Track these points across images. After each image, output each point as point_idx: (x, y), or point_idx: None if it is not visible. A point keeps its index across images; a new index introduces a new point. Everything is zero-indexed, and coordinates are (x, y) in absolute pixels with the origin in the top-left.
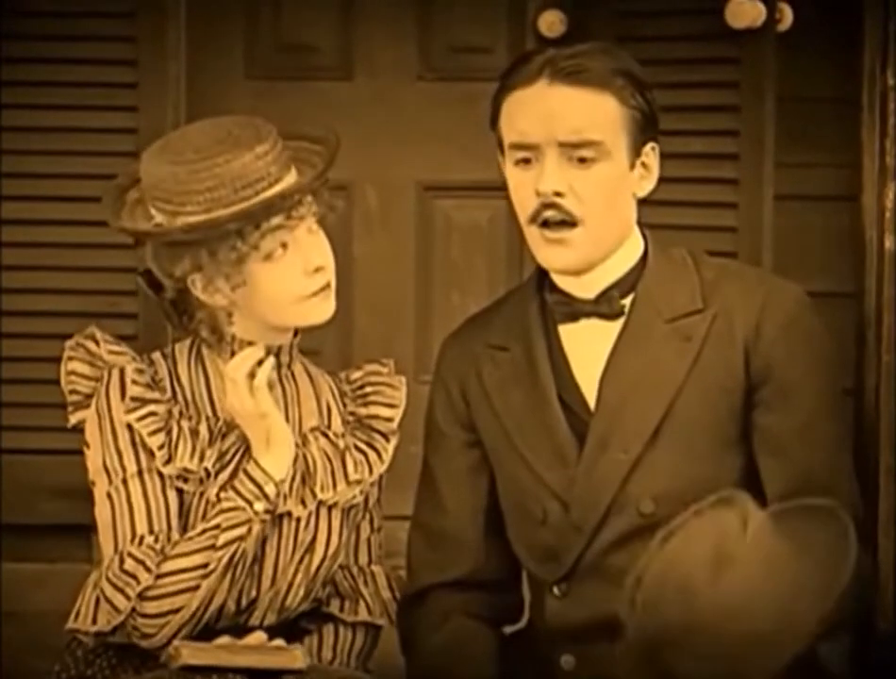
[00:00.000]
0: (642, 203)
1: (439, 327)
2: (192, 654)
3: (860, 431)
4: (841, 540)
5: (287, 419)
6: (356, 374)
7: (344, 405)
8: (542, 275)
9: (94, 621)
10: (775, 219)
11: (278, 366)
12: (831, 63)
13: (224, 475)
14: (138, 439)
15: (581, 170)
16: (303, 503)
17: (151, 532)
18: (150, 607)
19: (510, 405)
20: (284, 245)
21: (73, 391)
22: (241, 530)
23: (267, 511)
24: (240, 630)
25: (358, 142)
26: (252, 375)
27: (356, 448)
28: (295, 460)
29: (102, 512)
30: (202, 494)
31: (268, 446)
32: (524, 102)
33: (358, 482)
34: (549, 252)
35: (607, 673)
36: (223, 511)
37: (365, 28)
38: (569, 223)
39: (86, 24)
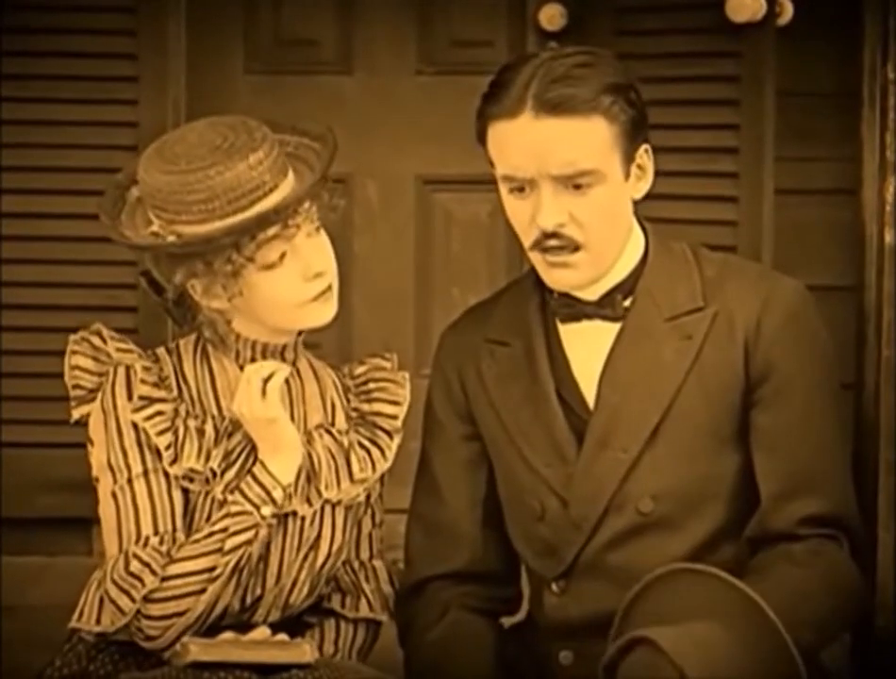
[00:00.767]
0: (643, 197)
1: (438, 321)
2: (201, 650)
3: (860, 426)
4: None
5: (292, 417)
6: (360, 369)
7: (348, 401)
8: None
9: (98, 621)
10: (775, 213)
11: (281, 363)
12: (831, 57)
13: (230, 474)
14: (144, 439)
15: (578, 197)
16: (308, 502)
17: (156, 533)
18: (155, 610)
19: (509, 400)
20: (282, 253)
21: (76, 386)
22: (249, 534)
23: (274, 515)
24: (243, 626)
25: (358, 136)
26: (266, 380)
27: (360, 445)
28: (301, 460)
29: (106, 511)
30: (207, 494)
31: (276, 450)
32: (512, 135)
33: (363, 481)
34: (554, 274)
35: None
36: (230, 515)
37: (365, 23)
38: (571, 247)
39: (86, 18)
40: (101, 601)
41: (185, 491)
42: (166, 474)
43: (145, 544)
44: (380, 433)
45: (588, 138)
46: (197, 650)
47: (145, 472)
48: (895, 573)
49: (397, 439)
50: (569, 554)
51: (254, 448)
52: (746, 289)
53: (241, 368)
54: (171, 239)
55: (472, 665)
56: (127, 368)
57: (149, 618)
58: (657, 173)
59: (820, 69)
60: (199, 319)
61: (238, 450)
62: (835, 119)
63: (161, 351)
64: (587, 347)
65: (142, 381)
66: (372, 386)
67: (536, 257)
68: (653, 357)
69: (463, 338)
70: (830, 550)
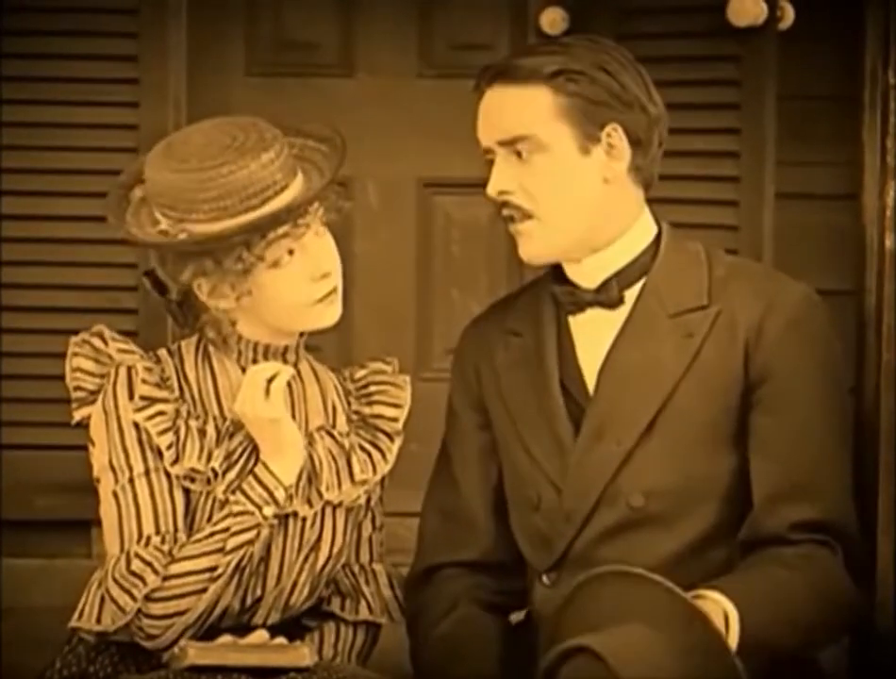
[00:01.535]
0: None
1: (439, 324)
2: (199, 653)
3: (860, 429)
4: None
5: (294, 418)
6: (361, 373)
7: (349, 404)
8: (557, 266)
9: (98, 621)
10: (776, 217)
11: (284, 365)
12: (832, 61)
13: (232, 475)
14: (145, 439)
15: (525, 166)
16: (309, 503)
17: (158, 532)
18: (156, 609)
19: (516, 389)
20: (291, 252)
21: (77, 388)
22: (250, 534)
23: (275, 515)
24: (243, 629)
25: (359, 139)
26: (270, 381)
27: (361, 448)
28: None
29: (107, 511)
30: (209, 494)
31: (279, 451)
32: (478, 107)
33: (364, 483)
34: (519, 246)
35: None
36: (231, 515)
37: (366, 25)
38: (523, 216)
39: (87, 20)
40: (102, 600)
41: (186, 492)
42: (167, 474)
43: (147, 543)
44: (381, 435)
45: (525, 104)
46: (195, 653)
47: (147, 472)
48: (895, 575)
49: (398, 442)
50: (560, 546)
51: (255, 449)
52: (751, 290)
53: (243, 369)
54: (182, 236)
55: (478, 664)
56: (129, 368)
57: (150, 616)
58: (658, 177)
59: (820, 73)
60: (203, 319)
61: (239, 450)
62: (835, 123)
63: (163, 352)
64: (593, 339)
65: (144, 381)
66: (372, 389)
67: (509, 229)
68: (653, 352)
69: (482, 329)
70: (821, 556)
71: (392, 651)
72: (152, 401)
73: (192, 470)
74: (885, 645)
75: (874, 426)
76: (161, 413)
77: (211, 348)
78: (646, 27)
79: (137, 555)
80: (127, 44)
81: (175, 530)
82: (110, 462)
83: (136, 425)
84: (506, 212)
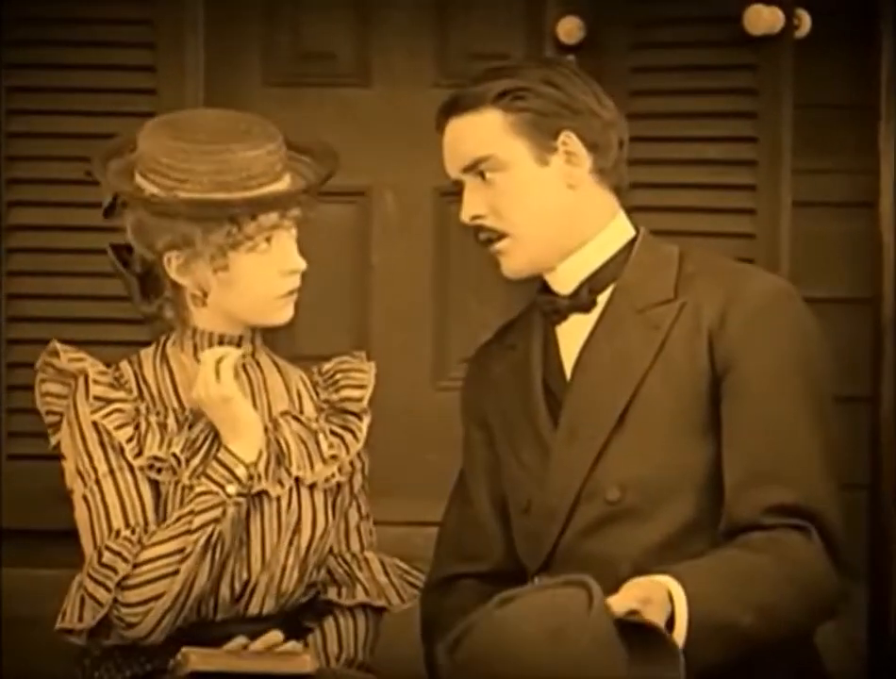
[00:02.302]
0: (661, 210)
1: (456, 333)
2: (201, 660)
3: (877, 438)
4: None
5: (255, 405)
6: (328, 365)
7: (318, 395)
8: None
9: (80, 619)
10: (793, 225)
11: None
12: (848, 70)
13: (196, 461)
14: (106, 440)
15: (490, 187)
16: (280, 483)
17: (127, 526)
18: (131, 596)
19: (507, 398)
20: (268, 239)
21: (49, 412)
22: (216, 512)
23: (240, 494)
24: (242, 621)
25: (376, 149)
26: (220, 362)
27: (332, 432)
28: (268, 444)
29: (80, 515)
30: (177, 484)
31: (235, 431)
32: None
33: (334, 458)
34: (500, 264)
35: None
36: (196, 495)
37: (382, 36)
38: (498, 237)
39: (104, 31)
40: (82, 600)
41: (156, 485)
42: (132, 470)
43: (117, 536)
44: (349, 417)
45: (481, 128)
46: (197, 659)
47: (111, 471)
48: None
49: (367, 420)
50: (547, 545)
51: (217, 436)
52: (716, 282)
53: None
54: (184, 195)
55: None
56: (85, 377)
57: (126, 605)
58: (674, 186)
59: (837, 81)
60: (163, 296)
61: (202, 438)
62: (852, 131)
63: (123, 363)
64: (575, 343)
65: (96, 382)
66: (339, 376)
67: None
68: (621, 347)
69: (487, 347)
70: (792, 539)
71: (392, 644)
72: (107, 401)
73: (155, 458)
74: (884, 645)
75: (892, 434)
76: (119, 410)
77: (169, 348)
78: (663, 37)
79: (107, 548)
80: (144, 55)
81: (146, 523)
82: (77, 469)
83: (95, 427)
84: (482, 236)
